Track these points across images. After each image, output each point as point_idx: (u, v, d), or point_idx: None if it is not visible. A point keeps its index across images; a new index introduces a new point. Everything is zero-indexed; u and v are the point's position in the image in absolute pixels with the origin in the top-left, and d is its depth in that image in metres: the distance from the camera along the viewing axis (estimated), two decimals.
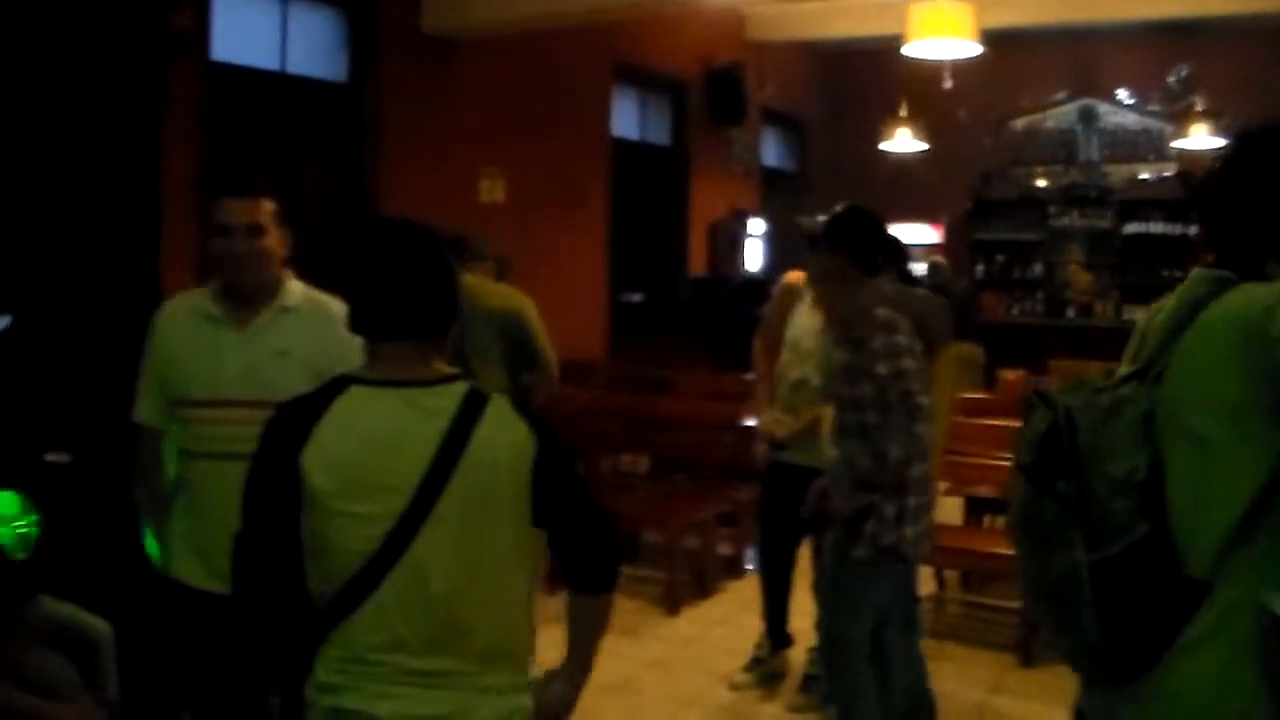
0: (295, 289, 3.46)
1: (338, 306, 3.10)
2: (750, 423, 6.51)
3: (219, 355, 3.33)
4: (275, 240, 3.36)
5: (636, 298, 11.67)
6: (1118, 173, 13.80)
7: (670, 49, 11.57)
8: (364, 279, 2.42)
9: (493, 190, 9.20)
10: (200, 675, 3.43)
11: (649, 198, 11.85)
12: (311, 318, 3.40)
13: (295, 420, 2.32)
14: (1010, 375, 9.36)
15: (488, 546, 2.37)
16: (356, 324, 2.41)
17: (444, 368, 2.45)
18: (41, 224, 4.86)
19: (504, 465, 2.37)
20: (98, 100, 4.88)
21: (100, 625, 3.89)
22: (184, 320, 3.44)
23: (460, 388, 2.39)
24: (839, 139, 14.93)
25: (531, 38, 9.13)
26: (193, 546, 3.37)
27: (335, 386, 2.36)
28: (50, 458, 4.52)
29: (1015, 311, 14.05)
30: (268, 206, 3.33)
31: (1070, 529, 2.05)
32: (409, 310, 2.40)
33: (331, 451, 2.27)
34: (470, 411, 2.35)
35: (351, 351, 2.56)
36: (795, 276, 5.44)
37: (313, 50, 8.11)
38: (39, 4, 4.84)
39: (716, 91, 12.33)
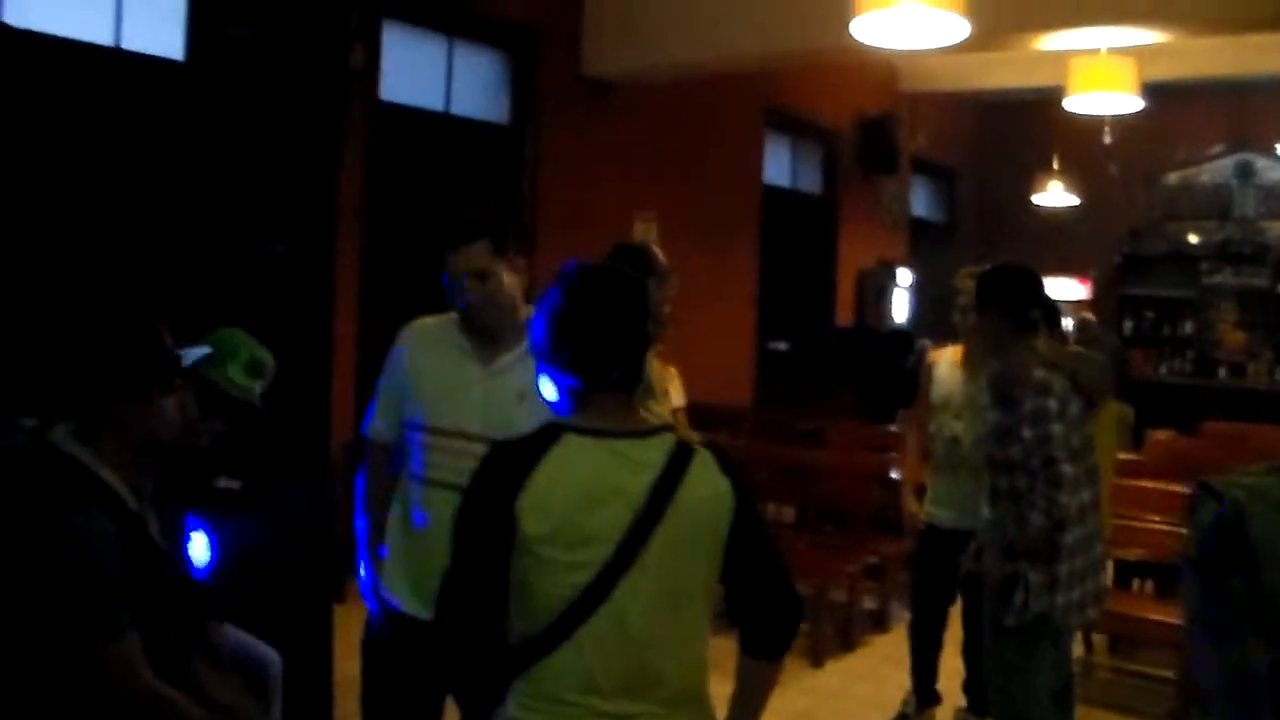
0: None
1: None
2: (896, 475, 6.44)
3: (464, 388, 3.38)
4: (505, 281, 3.38)
5: (783, 346, 11.62)
6: (1275, 229, 13.45)
7: (823, 98, 11.56)
8: (583, 327, 2.41)
9: (646, 233, 9.24)
10: (395, 697, 3.49)
11: (798, 246, 11.83)
12: None
13: (512, 464, 2.33)
14: (1161, 436, 9.11)
15: (683, 596, 2.39)
16: (570, 371, 2.41)
17: (650, 418, 2.45)
18: (217, 256, 4.97)
19: (705, 519, 2.39)
20: (276, 136, 4.98)
21: (271, 654, 3.94)
22: (432, 345, 3.49)
23: (668, 440, 2.40)
24: (989, 190, 14.78)
25: (686, 83, 9.18)
26: (405, 569, 3.44)
27: (551, 433, 2.37)
28: (221, 484, 4.59)
29: (1164, 370, 13.75)
30: (485, 249, 3.35)
31: (1246, 626, 1.96)
32: (624, 361, 2.41)
33: (546, 499, 2.29)
34: (677, 465, 2.36)
35: None
36: (937, 355, 5.37)
37: (476, 92, 8.24)
38: (226, 44, 4.96)
39: (867, 141, 12.29)
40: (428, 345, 3.50)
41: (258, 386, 3.93)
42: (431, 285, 3.41)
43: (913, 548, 5.45)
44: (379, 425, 3.59)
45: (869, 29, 5.86)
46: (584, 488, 2.31)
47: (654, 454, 2.37)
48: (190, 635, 3.18)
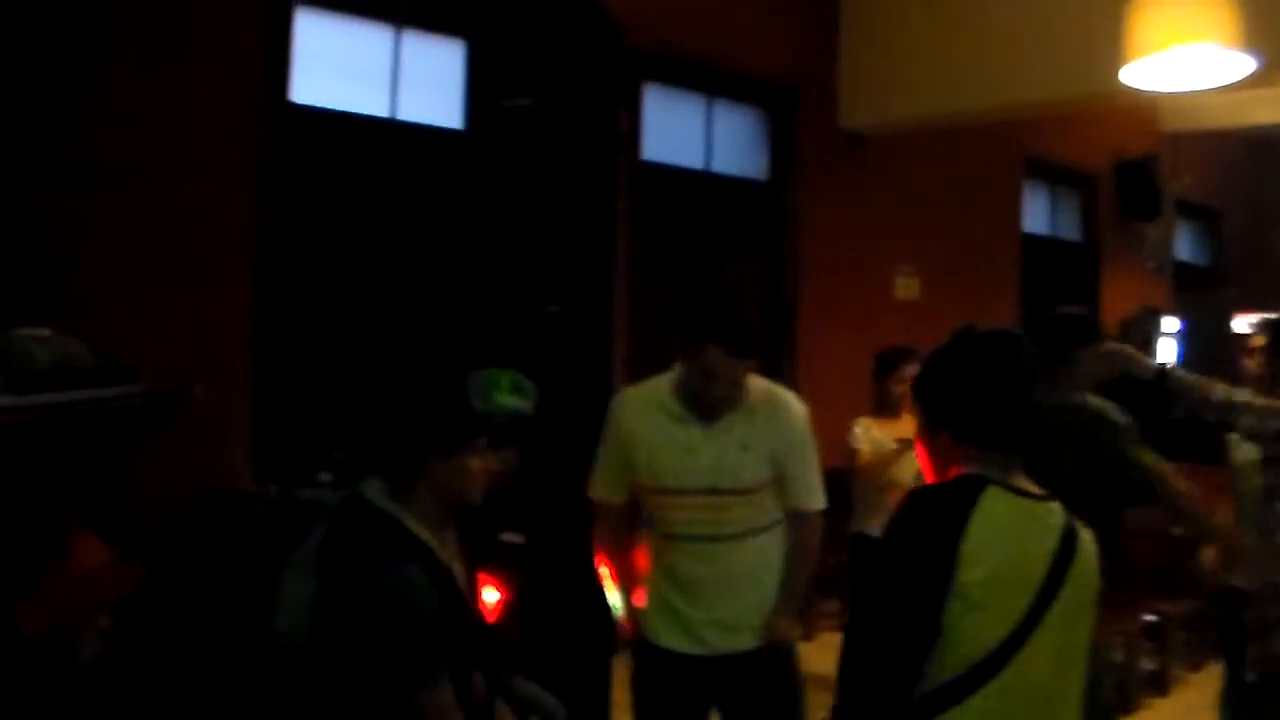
0: (756, 386, 3.68)
1: (794, 401, 3.66)
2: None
3: (689, 451, 3.59)
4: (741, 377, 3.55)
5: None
6: None
7: (1080, 142, 11.31)
8: (992, 390, 2.47)
9: (908, 287, 9.19)
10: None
11: (1059, 294, 11.55)
12: (770, 413, 3.66)
13: (947, 510, 2.37)
14: None
15: (1074, 658, 2.44)
16: (976, 429, 2.46)
17: (1035, 487, 2.49)
18: (499, 318, 5.15)
19: (1089, 586, 2.45)
20: (552, 201, 5.16)
21: (557, 704, 4.05)
22: (647, 412, 3.68)
23: (1059, 507, 2.47)
24: (1259, 232, 14.20)
25: (943, 133, 9.11)
26: (667, 610, 3.72)
27: (974, 485, 2.40)
28: (505, 538, 4.74)
29: None
30: (749, 365, 3.55)
31: None
32: (1021, 424, 2.47)
33: (985, 546, 2.32)
34: (1071, 532, 2.43)
35: (802, 441, 2.74)
36: None
37: (735, 149, 8.34)
38: (504, 114, 5.17)
39: (1127, 185, 11.97)
40: (643, 412, 3.72)
41: (527, 404, 4.13)
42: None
43: (1211, 608, 5.25)
44: (602, 487, 3.80)
45: (1140, 74, 5.76)
46: (1012, 540, 2.36)
47: (1055, 518, 2.43)
48: (494, 684, 3.30)
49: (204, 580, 4.89)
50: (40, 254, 4.90)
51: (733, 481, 3.56)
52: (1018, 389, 2.48)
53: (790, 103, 8.49)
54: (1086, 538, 2.45)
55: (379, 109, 6.25)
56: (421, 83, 6.34)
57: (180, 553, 4.84)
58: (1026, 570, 2.35)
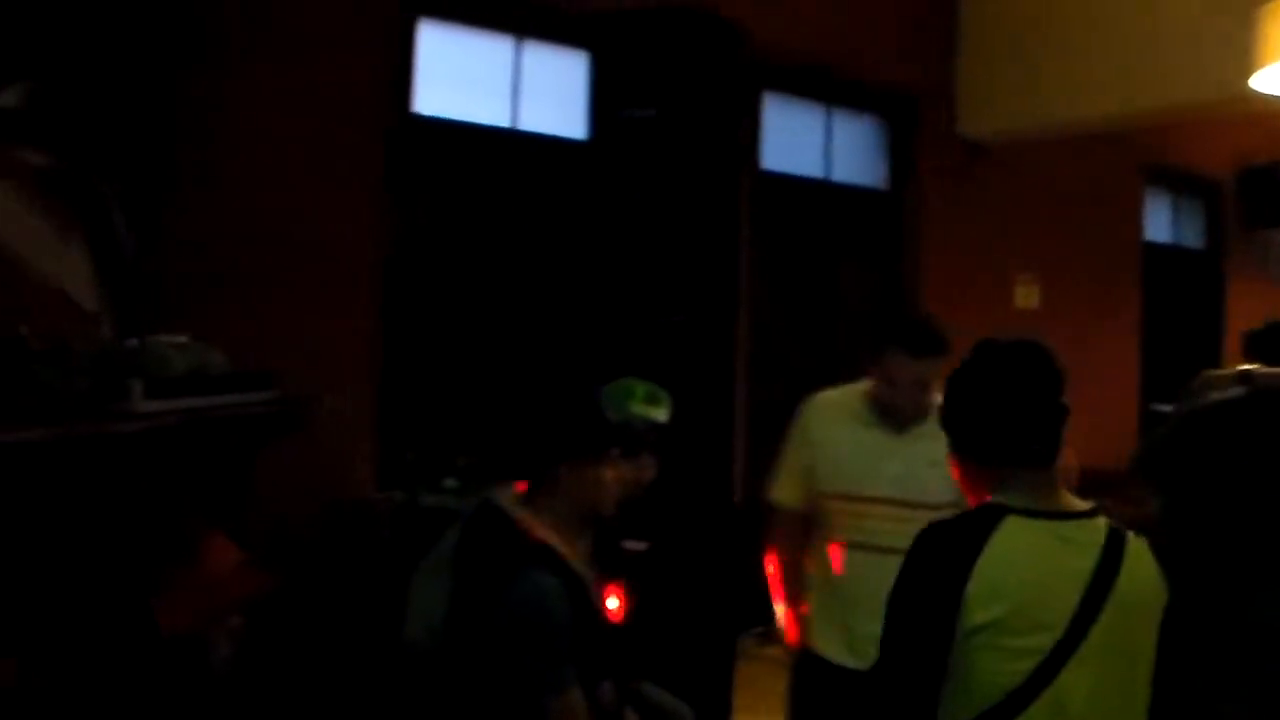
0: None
1: None
2: None
3: (878, 458, 3.56)
4: (936, 387, 3.49)
5: (1167, 408, 11.12)
6: None
7: (1203, 148, 11.08)
8: (999, 401, 2.41)
9: (1028, 296, 9.08)
10: None
11: (1182, 304, 11.36)
12: None
13: (955, 549, 2.31)
14: None
15: (1123, 689, 2.34)
16: (992, 451, 2.41)
17: (1078, 499, 2.42)
18: (623, 328, 5.18)
19: (1142, 609, 2.35)
20: (677, 208, 5.18)
21: (685, 709, 4.05)
22: (837, 418, 3.67)
23: (1102, 522, 2.38)
24: None
25: (1063, 140, 8.98)
26: (837, 623, 3.64)
27: (991, 515, 2.35)
28: (628, 545, 4.75)
29: None
30: (938, 365, 3.47)
31: None
32: (1051, 436, 2.40)
33: (995, 585, 2.26)
34: (1114, 549, 2.33)
35: None
36: None
37: (854, 158, 8.30)
38: (628, 124, 5.21)
39: (1253, 192, 11.70)
40: (832, 418, 3.68)
41: (662, 413, 4.13)
42: (818, 352, 3.54)
43: None
44: (785, 492, 3.75)
45: (1270, 80, 5.63)
46: (1033, 573, 2.28)
47: (1093, 536, 2.34)
48: (623, 690, 3.32)
49: (329, 584, 4.95)
50: (175, 263, 5.00)
51: (919, 494, 3.47)
52: (1036, 402, 2.41)
53: (909, 111, 8.43)
54: (1137, 550, 2.35)
55: (500, 119, 6.30)
56: (543, 93, 6.39)
57: (305, 557, 4.92)
58: (1053, 601, 2.26)
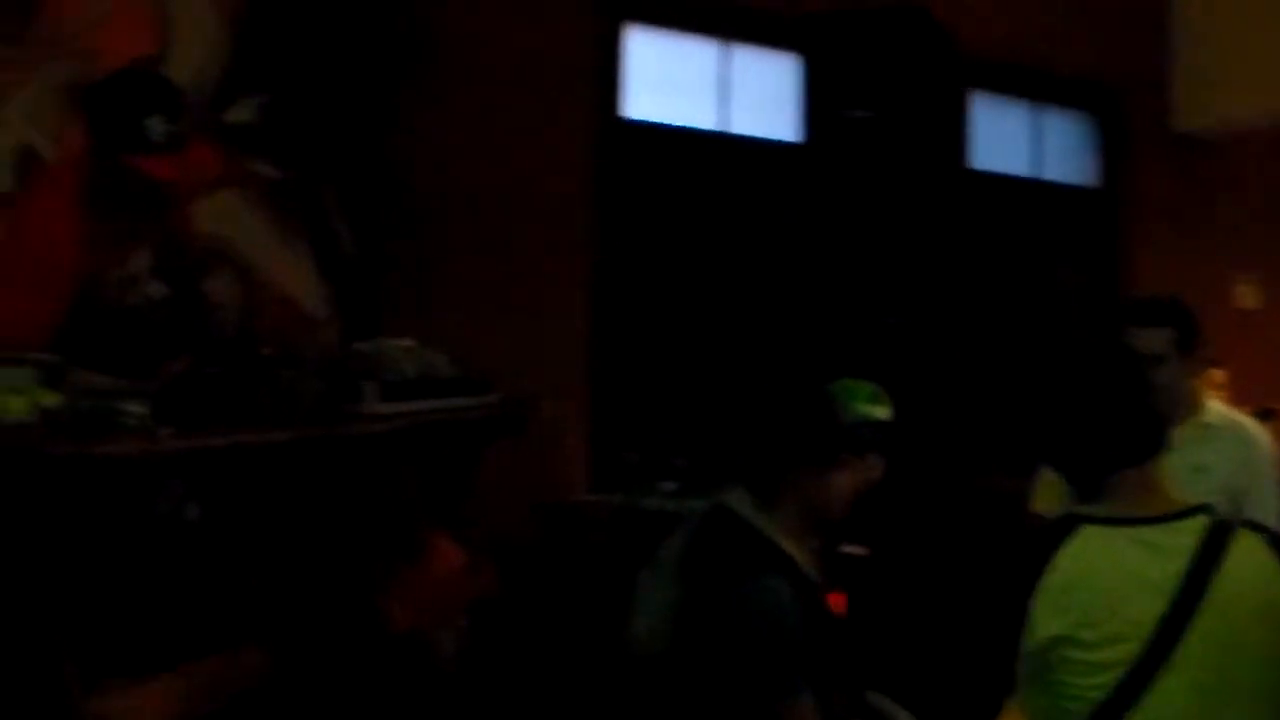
0: (1214, 409, 3.62)
1: (1258, 430, 3.27)
2: None
3: None
4: (1177, 370, 3.41)
5: None
6: None
7: None
8: (1080, 406, 2.31)
9: (1249, 296, 8.75)
10: None
11: None
12: (1230, 437, 3.54)
13: (1024, 562, 2.26)
14: None
15: (1233, 697, 2.21)
16: (1076, 461, 2.32)
17: (1177, 497, 2.30)
18: (835, 328, 5.15)
19: (1251, 610, 2.21)
20: (892, 213, 5.13)
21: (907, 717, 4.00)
22: None
23: (1200, 522, 2.26)
24: None
25: None
26: None
27: (1065, 526, 2.27)
28: (847, 550, 4.71)
29: None
30: (1166, 336, 3.41)
31: None
32: (1142, 431, 2.30)
33: (1060, 599, 2.19)
34: (1212, 549, 2.21)
35: (1263, 473, 2.54)
36: None
37: (1064, 156, 8.11)
38: (844, 125, 5.18)
39: None
40: None
41: (888, 412, 4.06)
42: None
43: None
44: (1044, 500, 3.67)
45: None
46: (1105, 582, 2.19)
47: (1185, 538, 2.22)
48: (852, 699, 3.29)
49: (549, 584, 5.01)
50: (393, 269, 5.12)
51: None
52: (1108, 400, 2.29)
53: (1120, 106, 8.19)
54: (1245, 548, 2.22)
55: (709, 123, 6.31)
56: (753, 97, 6.37)
57: (524, 558, 4.98)
58: (1129, 611, 2.16)
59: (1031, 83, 7.83)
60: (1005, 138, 7.78)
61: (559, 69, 5.69)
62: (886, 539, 4.81)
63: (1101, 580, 2.22)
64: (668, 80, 6.18)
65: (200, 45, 4.65)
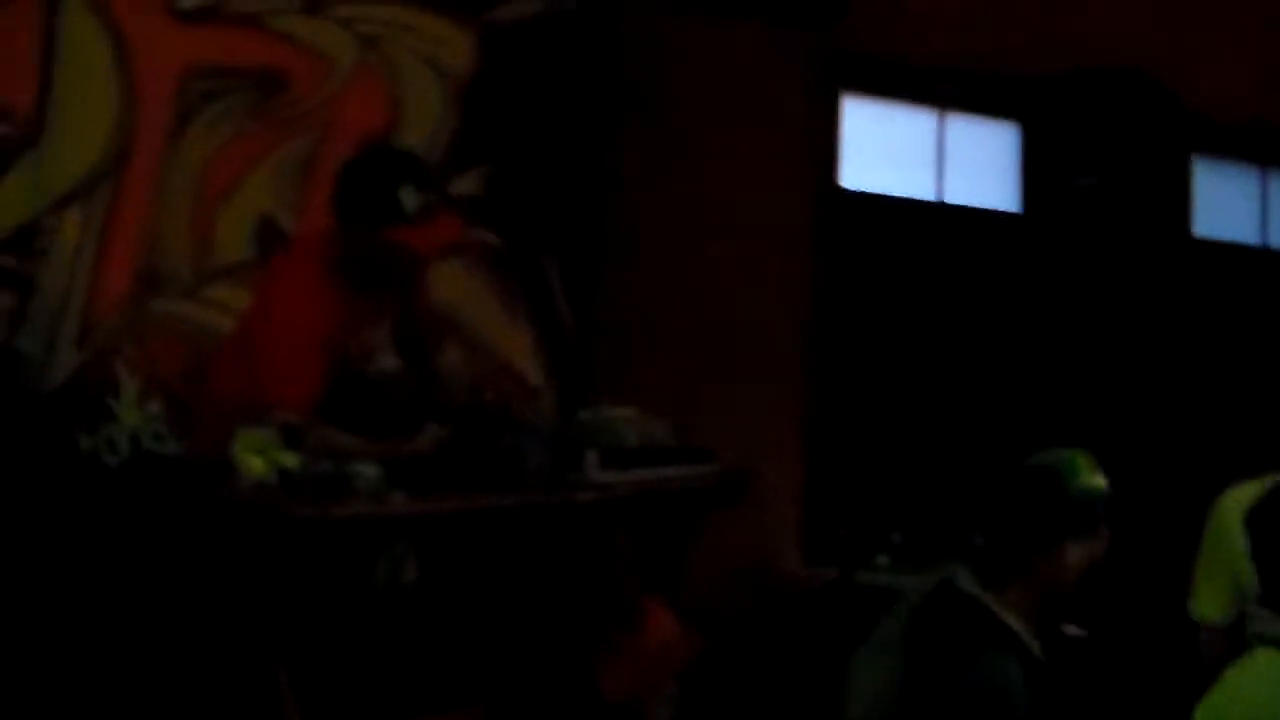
0: None
1: None
2: None
3: None
4: None
5: None
6: None
7: None
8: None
9: None
10: None
11: None
12: None
13: (1199, 679, 2.21)
14: None
15: None
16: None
17: None
18: (1058, 403, 5.03)
19: None
20: (1118, 281, 5.02)
21: None
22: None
23: None
24: None
25: None
26: None
27: (1241, 644, 2.16)
28: (1068, 630, 4.58)
29: None
30: None
31: None
32: None
33: (1220, 715, 2.12)
34: None
35: None
36: None
37: None
38: (1068, 194, 5.08)
39: None
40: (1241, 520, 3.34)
41: (1103, 481, 3.92)
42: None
43: None
44: (1205, 604, 3.48)
45: None
46: (1265, 709, 2.11)
47: None
48: None
49: (760, 656, 4.98)
50: (608, 336, 5.18)
51: None
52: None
53: None
54: None
55: (926, 192, 6.28)
56: (969, 165, 6.33)
57: (735, 628, 4.96)
58: None
59: (1259, 145, 7.56)
60: (1231, 203, 7.53)
61: (776, 139, 5.71)
62: (1105, 620, 4.66)
63: (1263, 705, 2.15)
64: (885, 150, 6.18)
65: (428, 118, 4.81)
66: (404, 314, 3.79)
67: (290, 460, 3.09)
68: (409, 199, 3.52)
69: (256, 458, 3.09)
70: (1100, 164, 5.12)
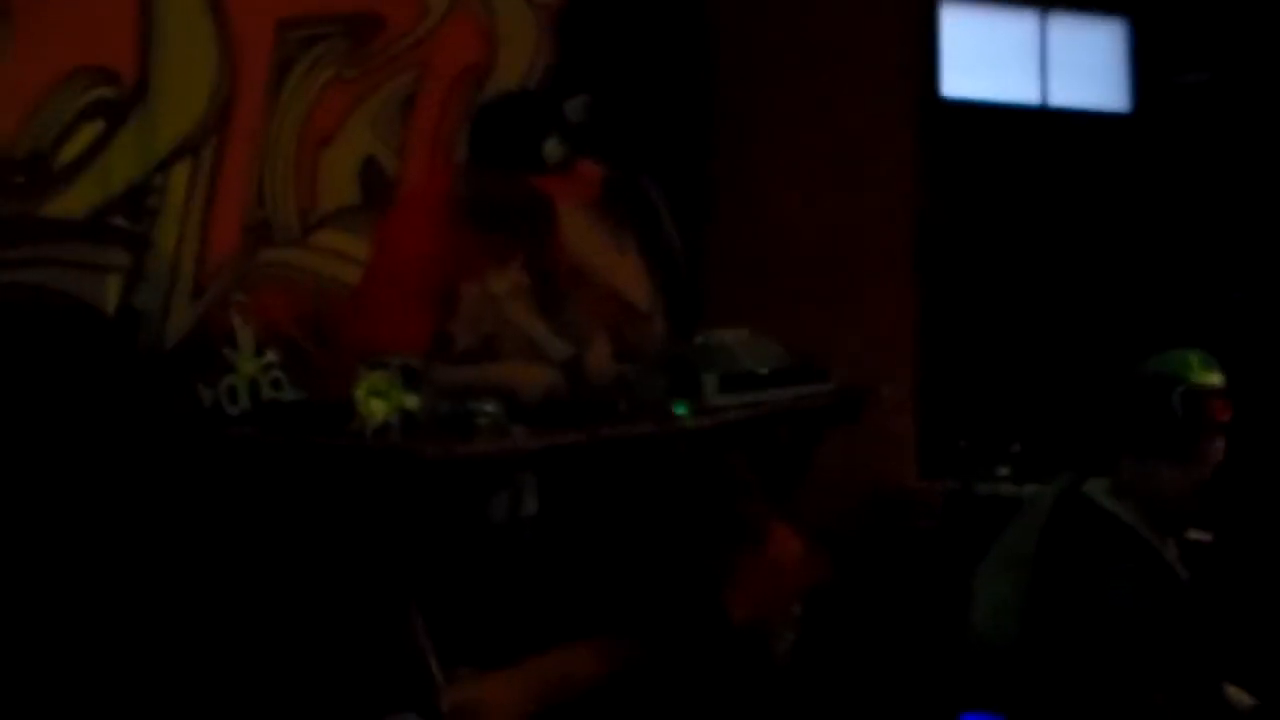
0: None
1: None
2: None
3: None
4: None
5: None
6: None
7: None
8: None
9: None
10: None
11: None
12: None
13: None
14: None
15: None
16: None
17: None
18: (1176, 304, 4.95)
19: None
20: (1235, 181, 4.89)
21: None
22: None
23: None
24: None
25: None
26: None
27: None
28: (1192, 535, 4.52)
29: None
30: None
31: None
32: None
33: None
34: None
35: None
36: None
37: None
38: (1178, 91, 4.96)
39: None
40: None
41: (1222, 378, 3.84)
42: None
43: None
44: None
45: None
46: None
47: None
48: (1211, 693, 3.16)
49: (882, 572, 4.97)
50: (717, 262, 5.16)
51: None
52: None
53: None
54: None
55: (1030, 97, 6.17)
56: (1074, 67, 6.21)
57: (857, 545, 4.95)
58: None
59: None
60: None
61: (875, 52, 5.64)
62: (1232, 524, 4.58)
63: None
64: (986, 56, 6.08)
65: (524, 50, 4.79)
66: (538, 261, 3.79)
67: (411, 402, 3.11)
68: (553, 150, 3.52)
69: (378, 400, 3.11)
70: (1210, 58, 4.97)
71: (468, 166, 3.69)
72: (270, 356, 4.14)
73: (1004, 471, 5.12)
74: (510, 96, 4.14)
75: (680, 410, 3.54)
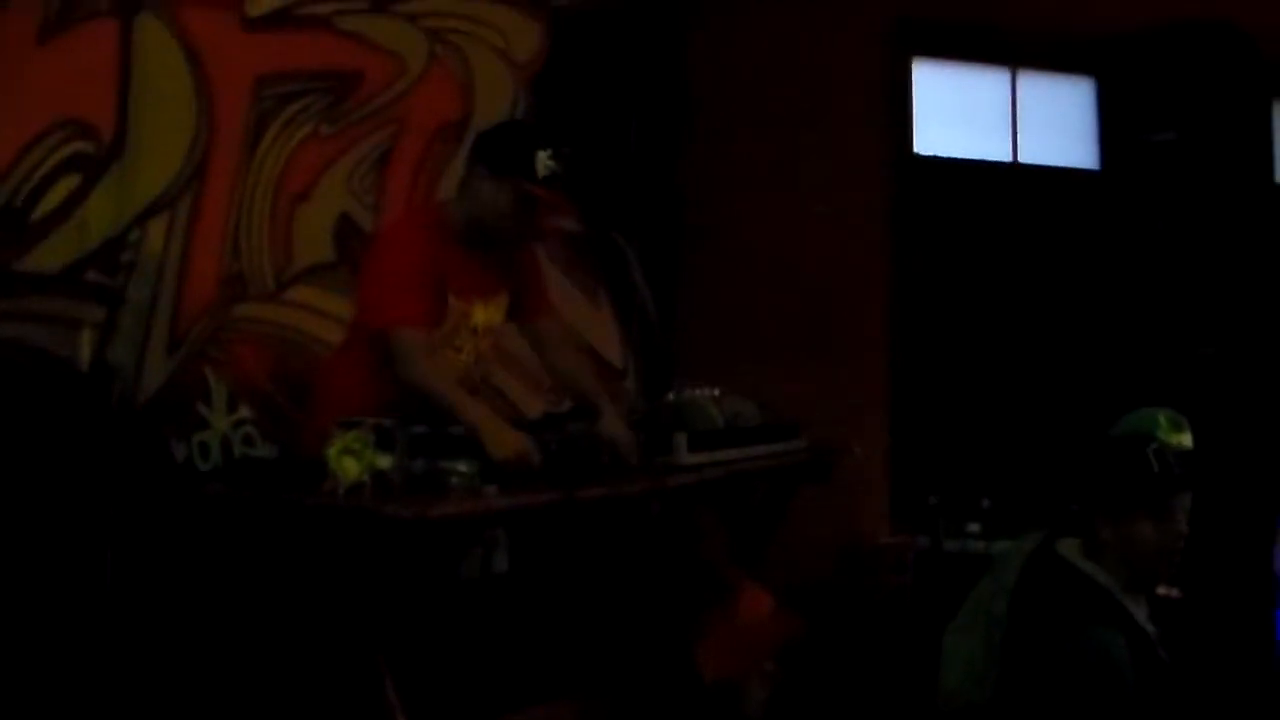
0: None
1: None
2: None
3: None
4: None
5: None
6: None
7: None
8: None
9: None
10: None
11: None
12: None
13: None
14: None
15: None
16: None
17: None
18: (1143, 361, 4.98)
19: None
20: (1203, 237, 4.94)
21: None
22: None
23: None
24: None
25: None
26: None
27: None
28: (1160, 593, 4.53)
29: None
30: None
31: None
32: None
33: None
34: None
35: None
36: None
37: None
38: (1145, 150, 5.01)
39: None
40: None
41: (1189, 439, 3.86)
42: None
43: None
44: None
45: None
46: None
47: None
48: None
49: (855, 630, 4.97)
50: (688, 318, 5.19)
51: None
52: None
53: None
54: None
55: (1001, 154, 6.22)
56: (1044, 124, 6.25)
57: (828, 601, 4.95)
58: None
59: None
60: None
61: (849, 110, 5.69)
62: (1200, 580, 4.60)
63: None
64: (958, 113, 6.13)
65: (500, 107, 4.82)
66: (518, 285, 3.82)
67: (384, 461, 3.11)
68: (543, 162, 3.57)
69: (351, 459, 3.12)
70: (1177, 117, 5.03)
71: (460, 186, 3.73)
72: (243, 412, 4.15)
73: (974, 528, 5.13)
74: (508, 121, 4.28)
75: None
